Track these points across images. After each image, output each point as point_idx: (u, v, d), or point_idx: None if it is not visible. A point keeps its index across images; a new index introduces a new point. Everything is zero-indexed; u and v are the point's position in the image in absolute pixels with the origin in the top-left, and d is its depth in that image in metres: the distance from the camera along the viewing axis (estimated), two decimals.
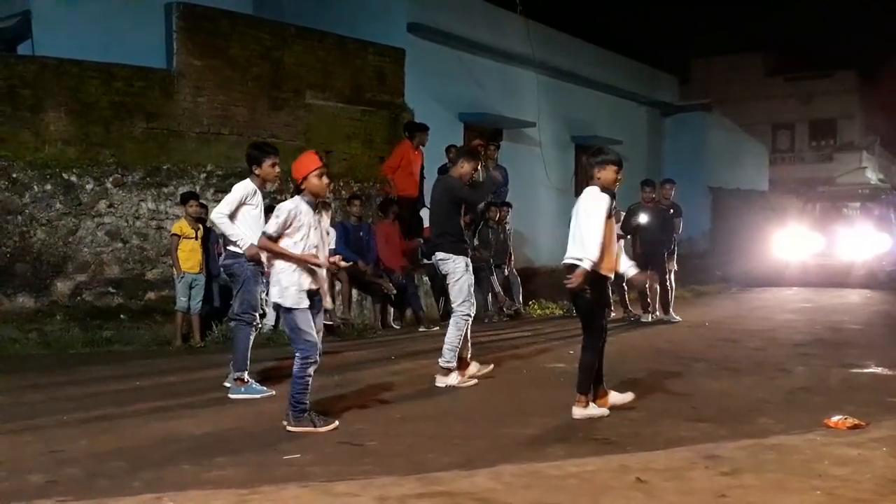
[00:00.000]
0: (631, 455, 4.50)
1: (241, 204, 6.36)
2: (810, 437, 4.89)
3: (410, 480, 4.05)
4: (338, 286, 10.48)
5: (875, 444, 4.63)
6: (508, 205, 12.45)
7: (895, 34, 45.27)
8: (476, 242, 11.90)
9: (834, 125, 37.44)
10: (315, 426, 5.12)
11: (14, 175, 9.26)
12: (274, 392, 6.38)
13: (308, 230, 5.23)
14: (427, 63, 13.49)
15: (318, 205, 5.39)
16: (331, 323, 10.20)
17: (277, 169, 6.55)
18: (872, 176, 36.04)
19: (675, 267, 12.05)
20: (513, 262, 12.57)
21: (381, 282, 10.67)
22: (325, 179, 5.36)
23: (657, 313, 11.60)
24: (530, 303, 12.89)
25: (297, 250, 5.17)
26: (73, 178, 9.60)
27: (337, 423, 5.21)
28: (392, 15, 13.41)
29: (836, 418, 5.24)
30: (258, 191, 6.49)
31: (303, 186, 5.31)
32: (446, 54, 14.06)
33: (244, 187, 6.43)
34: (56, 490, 4.00)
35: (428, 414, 5.82)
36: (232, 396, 6.29)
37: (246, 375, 6.42)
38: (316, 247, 5.29)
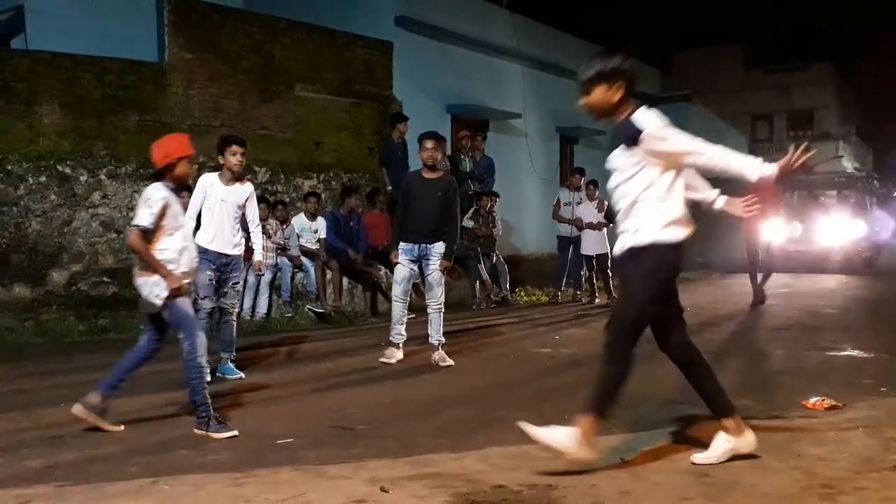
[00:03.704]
0: (616, 437, 4.52)
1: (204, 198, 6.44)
2: (789, 418, 4.93)
3: (401, 463, 4.06)
4: (329, 274, 10.48)
5: (851, 425, 4.67)
6: (496, 194, 12.45)
7: (870, 27, 45.43)
8: (470, 225, 11.92)
9: (811, 116, 37.59)
10: (209, 431, 4.74)
11: (9, 167, 9.20)
12: (243, 375, 6.58)
13: (180, 217, 4.95)
14: (415, 56, 13.46)
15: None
16: (322, 311, 10.22)
17: (240, 159, 6.47)
18: (848, 165, 36.26)
19: None
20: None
21: (372, 270, 10.67)
22: (191, 166, 5.10)
23: None
24: (517, 290, 12.92)
25: (176, 239, 4.85)
26: (68, 170, 9.54)
27: (236, 431, 4.75)
28: (380, 8, 13.36)
29: (813, 400, 5.29)
30: (218, 183, 6.46)
31: (172, 170, 4.97)
32: (433, 47, 14.03)
33: (200, 180, 6.52)
34: (54, 475, 3.98)
35: (417, 398, 5.84)
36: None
37: (223, 353, 6.56)
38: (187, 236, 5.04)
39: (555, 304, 12.30)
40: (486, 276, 11.91)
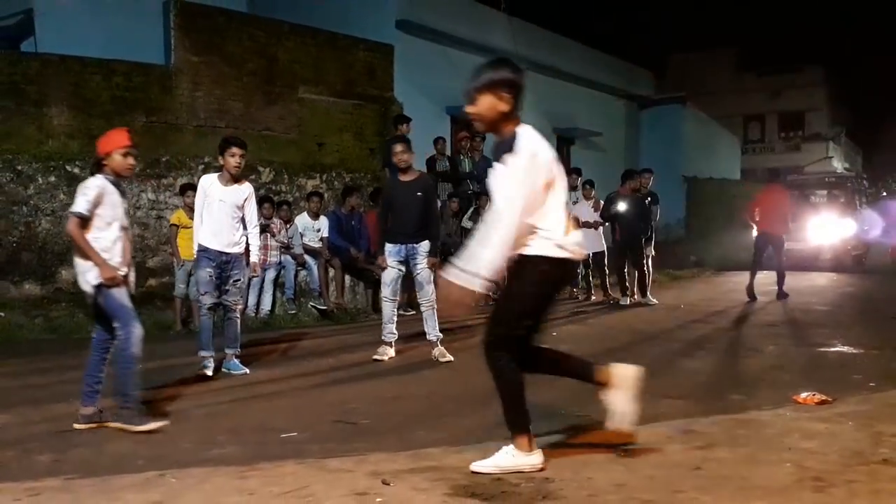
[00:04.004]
0: (610, 430, 4.52)
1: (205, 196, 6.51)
2: (780, 413, 4.92)
3: (402, 456, 4.05)
4: (331, 272, 10.48)
5: (841, 419, 4.66)
6: None
7: (859, 32, 45.48)
8: (469, 225, 11.91)
9: (802, 117, 37.62)
10: (130, 425, 4.70)
11: (19, 167, 9.19)
12: (248, 371, 6.64)
13: (119, 209, 4.92)
14: (415, 59, 13.45)
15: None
16: (325, 307, 10.21)
17: (239, 161, 6.51)
18: (838, 165, 36.30)
19: (653, 252, 12.11)
20: None
21: (373, 268, 10.65)
22: (129, 160, 4.92)
23: (635, 296, 11.66)
24: None
25: (112, 230, 4.84)
26: (76, 171, 9.53)
27: (159, 423, 4.74)
28: (381, 12, 13.36)
29: (804, 395, 5.28)
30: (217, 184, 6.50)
31: (105, 163, 4.90)
32: (433, 50, 14.02)
33: (200, 182, 6.64)
34: (63, 468, 3.98)
35: (418, 394, 5.84)
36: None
37: (202, 353, 6.54)
38: (125, 228, 4.99)
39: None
40: None
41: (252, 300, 9.77)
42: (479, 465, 3.70)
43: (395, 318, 7.32)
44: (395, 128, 12.05)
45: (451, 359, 7.13)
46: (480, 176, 12.82)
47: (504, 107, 3.68)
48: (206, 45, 10.86)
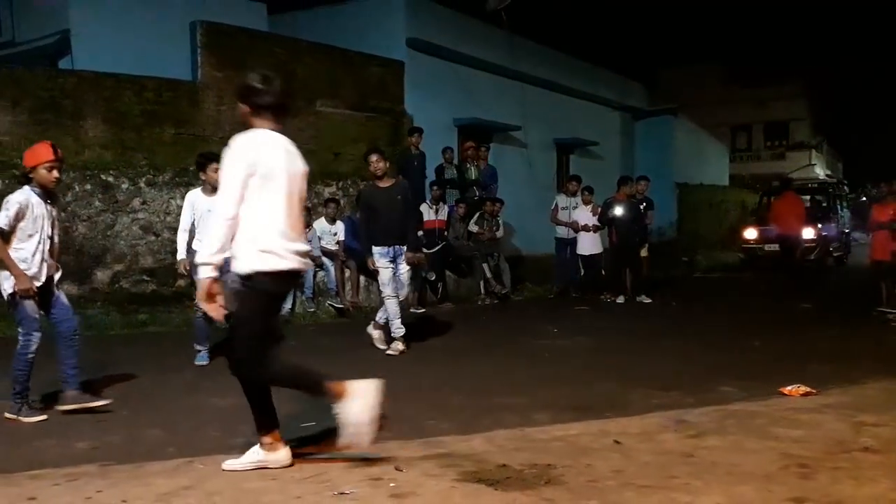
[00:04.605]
0: (609, 420, 4.52)
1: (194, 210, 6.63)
2: (767, 404, 4.91)
3: (414, 444, 4.06)
4: (347, 273, 10.49)
5: (825, 409, 4.65)
6: (500, 201, 12.42)
7: (835, 47, 45.33)
8: (475, 229, 11.91)
9: (786, 127, 37.49)
10: (19, 416, 4.76)
11: None
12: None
13: (42, 221, 4.83)
14: (424, 74, 13.45)
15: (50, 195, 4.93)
16: (341, 306, 10.22)
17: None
18: (820, 172, 36.14)
19: (647, 254, 12.06)
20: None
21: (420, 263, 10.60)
22: (53, 173, 4.82)
23: (630, 296, 11.60)
24: (518, 287, 12.89)
25: (32, 242, 4.78)
26: (111, 179, 9.57)
27: (45, 416, 4.80)
28: (393, 31, 13.35)
29: (790, 387, 5.27)
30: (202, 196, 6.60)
31: (31, 176, 4.82)
32: (441, 66, 14.01)
33: (187, 197, 6.76)
34: (99, 455, 4.00)
35: (428, 385, 5.84)
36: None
37: (197, 346, 6.72)
38: (50, 237, 4.93)
39: (553, 300, 12.27)
40: (489, 274, 11.88)
41: None
42: (230, 464, 3.64)
43: (401, 314, 7.32)
44: (409, 138, 12.09)
45: (404, 349, 7.20)
46: (485, 183, 12.85)
47: (247, 114, 3.68)
48: (230, 62, 10.88)
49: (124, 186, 9.63)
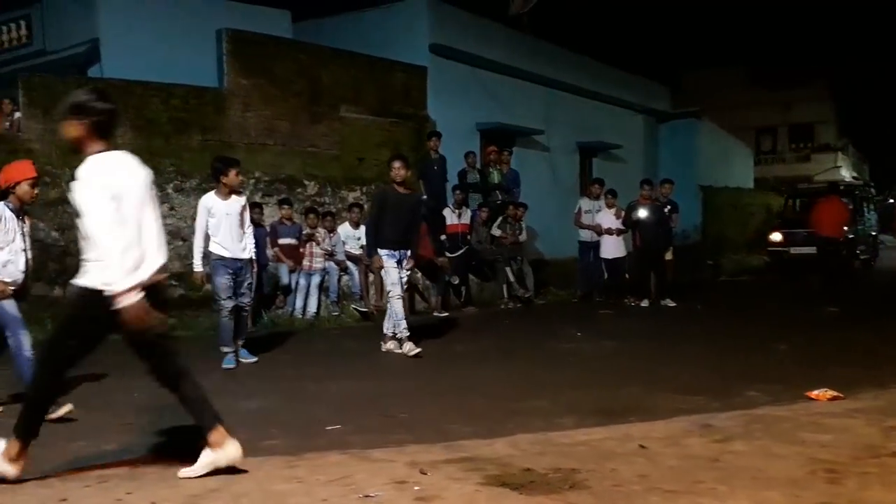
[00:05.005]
0: (633, 425, 4.49)
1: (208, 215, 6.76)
2: (794, 408, 4.85)
3: (438, 448, 4.06)
4: (371, 277, 10.52)
5: (853, 414, 4.58)
6: (524, 205, 12.40)
7: (860, 48, 44.70)
8: (498, 233, 11.90)
9: (811, 129, 37.02)
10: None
11: None
12: (257, 359, 7.00)
13: (14, 235, 4.99)
14: (447, 79, 13.47)
15: (22, 211, 5.05)
16: (365, 310, 10.26)
17: (241, 177, 7.02)
18: (847, 174, 35.63)
19: (672, 257, 11.96)
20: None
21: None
22: (35, 189, 5.03)
23: (654, 300, 11.51)
24: (541, 291, 12.86)
25: (2, 255, 4.94)
26: None
27: (69, 408, 4.83)
28: (416, 36, 13.38)
29: (817, 391, 5.20)
30: (219, 200, 6.75)
31: (12, 191, 4.97)
32: (464, 71, 14.03)
33: (202, 202, 6.86)
34: (128, 457, 4.05)
35: (452, 389, 5.84)
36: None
37: (224, 349, 6.84)
38: (24, 250, 5.07)
39: (576, 304, 12.23)
40: (512, 278, 11.86)
41: (299, 303, 9.86)
42: (186, 472, 3.61)
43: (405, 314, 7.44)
44: (427, 142, 12.10)
45: (418, 350, 7.25)
46: (508, 187, 12.83)
47: (79, 132, 3.54)
48: (256, 70, 10.98)
49: (152, 192, 9.72)
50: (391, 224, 7.30)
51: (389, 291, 7.41)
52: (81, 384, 6.01)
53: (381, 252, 7.32)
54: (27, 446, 3.55)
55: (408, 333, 7.33)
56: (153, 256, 3.57)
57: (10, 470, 3.50)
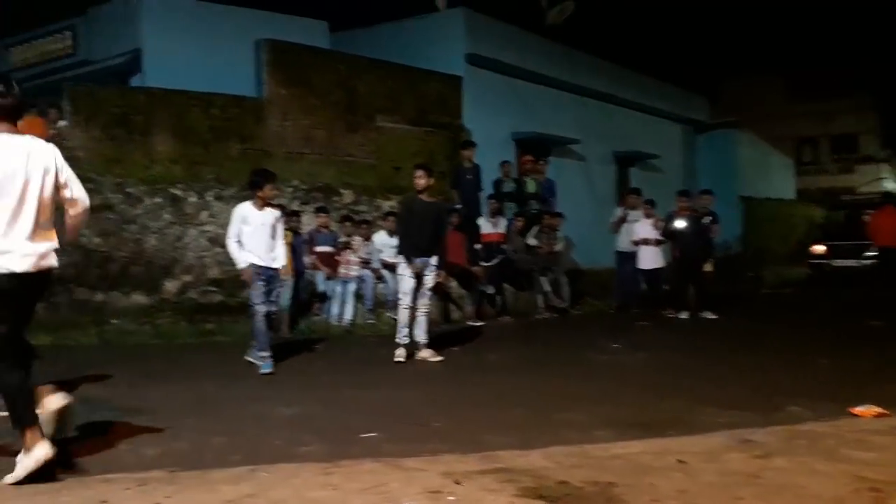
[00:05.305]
0: (672, 439, 4.42)
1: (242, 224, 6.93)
2: (837, 424, 4.73)
3: (472, 458, 4.03)
4: None
5: None
6: (560, 215, 12.35)
7: None
8: (534, 243, 11.86)
9: (855, 140, 36.29)
10: None
11: (129, 190, 9.54)
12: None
13: None
14: (482, 89, 13.49)
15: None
16: None
17: (276, 190, 7.28)
18: (892, 185, 34.87)
19: (712, 268, 11.76)
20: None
21: (443, 282, 10.68)
22: None
23: (693, 312, 11.32)
24: (578, 301, 12.77)
25: None
26: (179, 193, 9.84)
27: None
28: (452, 47, 13.43)
29: (861, 407, 5.07)
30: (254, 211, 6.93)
31: None
32: (500, 81, 14.04)
33: (238, 210, 7.02)
34: (167, 461, 4.10)
35: (487, 399, 5.81)
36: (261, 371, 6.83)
37: (257, 353, 6.92)
38: None
39: (613, 315, 12.11)
40: (548, 288, 11.80)
41: (335, 310, 9.94)
42: (10, 478, 3.58)
43: (409, 325, 7.51)
44: (461, 151, 12.12)
45: (441, 358, 7.39)
46: (544, 196, 12.79)
47: None
48: (294, 79, 11.12)
49: (192, 200, 9.89)
50: (416, 232, 7.46)
51: (400, 298, 7.53)
52: (120, 387, 6.12)
53: (399, 259, 7.50)
54: (33, 426, 3.63)
55: (406, 341, 7.47)
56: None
57: (39, 453, 3.59)
